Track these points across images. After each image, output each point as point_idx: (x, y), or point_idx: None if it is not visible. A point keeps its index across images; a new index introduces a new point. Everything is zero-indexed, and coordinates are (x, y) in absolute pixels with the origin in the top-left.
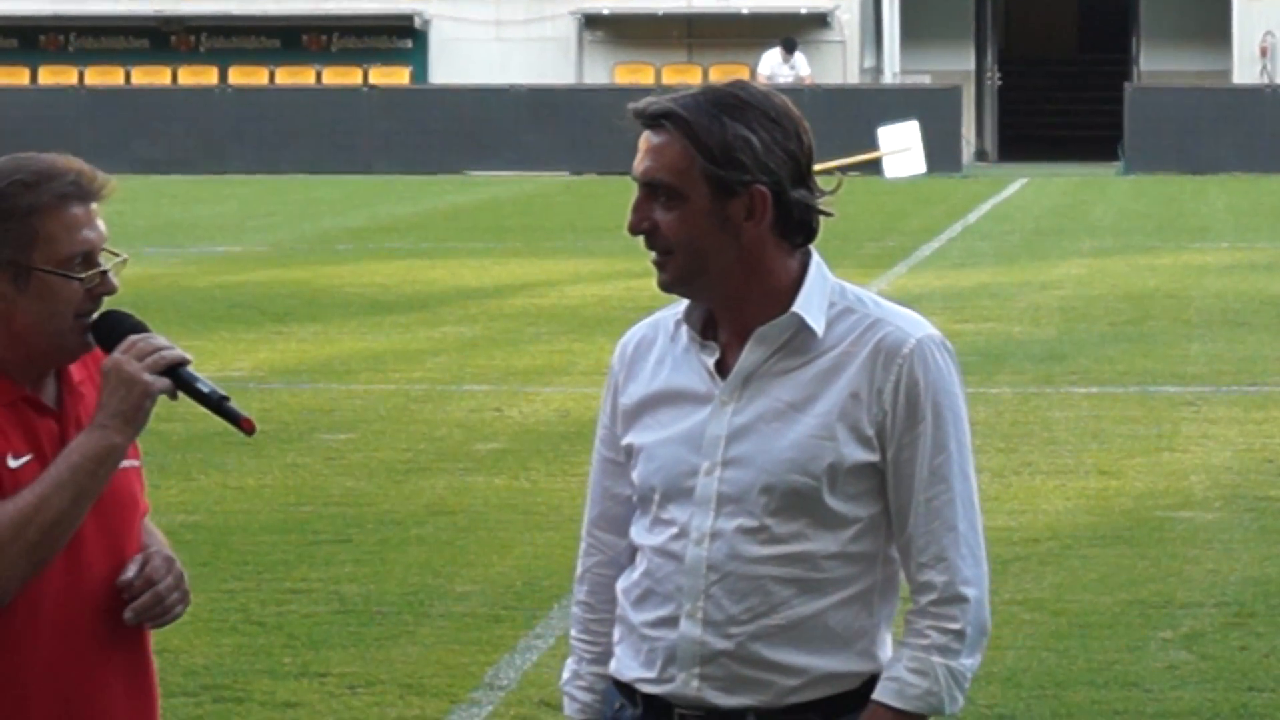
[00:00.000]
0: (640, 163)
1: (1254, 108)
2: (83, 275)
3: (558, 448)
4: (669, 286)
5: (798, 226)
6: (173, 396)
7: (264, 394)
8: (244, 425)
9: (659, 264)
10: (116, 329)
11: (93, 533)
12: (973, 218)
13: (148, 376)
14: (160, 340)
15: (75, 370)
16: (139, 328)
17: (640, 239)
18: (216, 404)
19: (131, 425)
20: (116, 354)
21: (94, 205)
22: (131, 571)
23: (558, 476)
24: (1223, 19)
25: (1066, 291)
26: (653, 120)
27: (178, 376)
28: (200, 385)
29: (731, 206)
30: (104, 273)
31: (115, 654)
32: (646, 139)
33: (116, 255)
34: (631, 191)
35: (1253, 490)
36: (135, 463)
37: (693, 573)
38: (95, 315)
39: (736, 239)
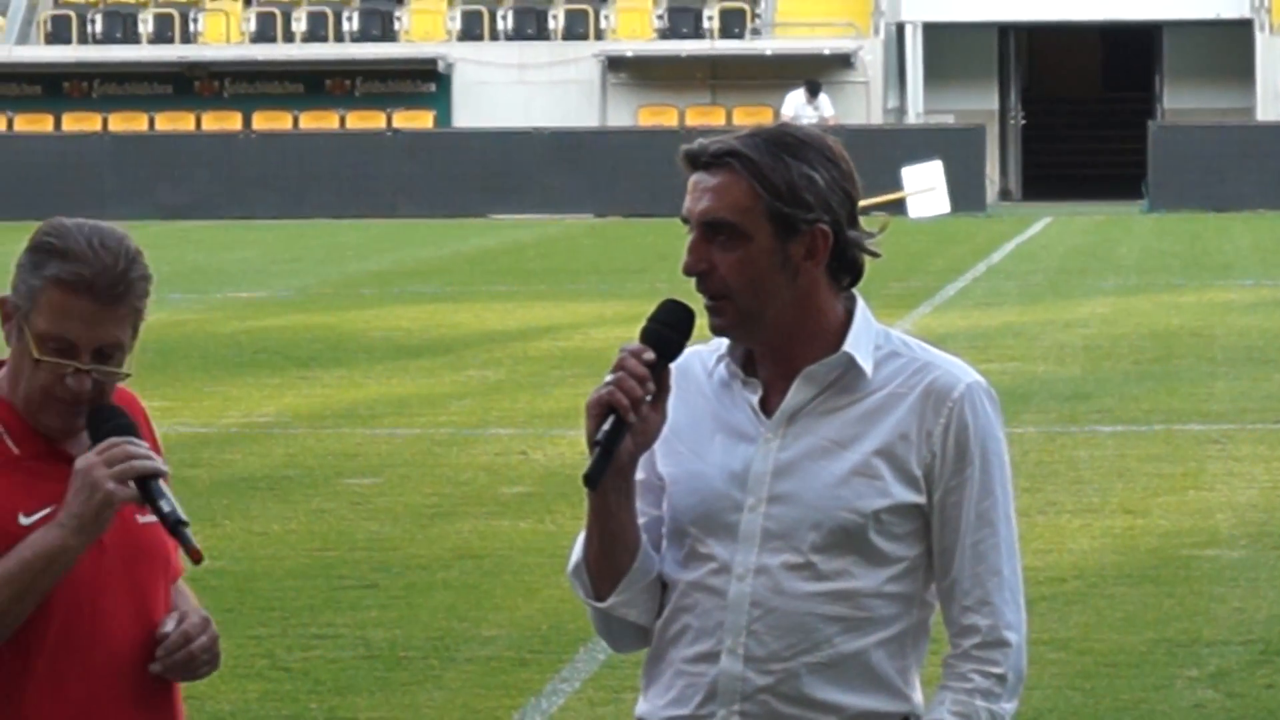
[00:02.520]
0: (697, 203)
1: (1278, 144)
2: (39, 356)
3: (584, 491)
4: (725, 330)
5: (849, 266)
6: (139, 505)
7: (289, 439)
8: (192, 555)
9: (714, 308)
10: (102, 426)
11: (118, 587)
12: (997, 257)
13: (111, 485)
14: (137, 448)
15: None
16: (123, 429)
17: (682, 280)
18: (172, 526)
19: (87, 531)
20: (91, 455)
21: (110, 306)
22: (170, 625)
23: (583, 519)
24: (1246, 56)
25: (1091, 330)
26: (714, 159)
27: (145, 488)
28: (162, 503)
29: (793, 246)
30: (72, 369)
31: (142, 707)
32: (700, 180)
33: (111, 368)
34: (658, 234)
35: (1278, 528)
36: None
37: (735, 608)
38: (93, 406)
39: (794, 280)
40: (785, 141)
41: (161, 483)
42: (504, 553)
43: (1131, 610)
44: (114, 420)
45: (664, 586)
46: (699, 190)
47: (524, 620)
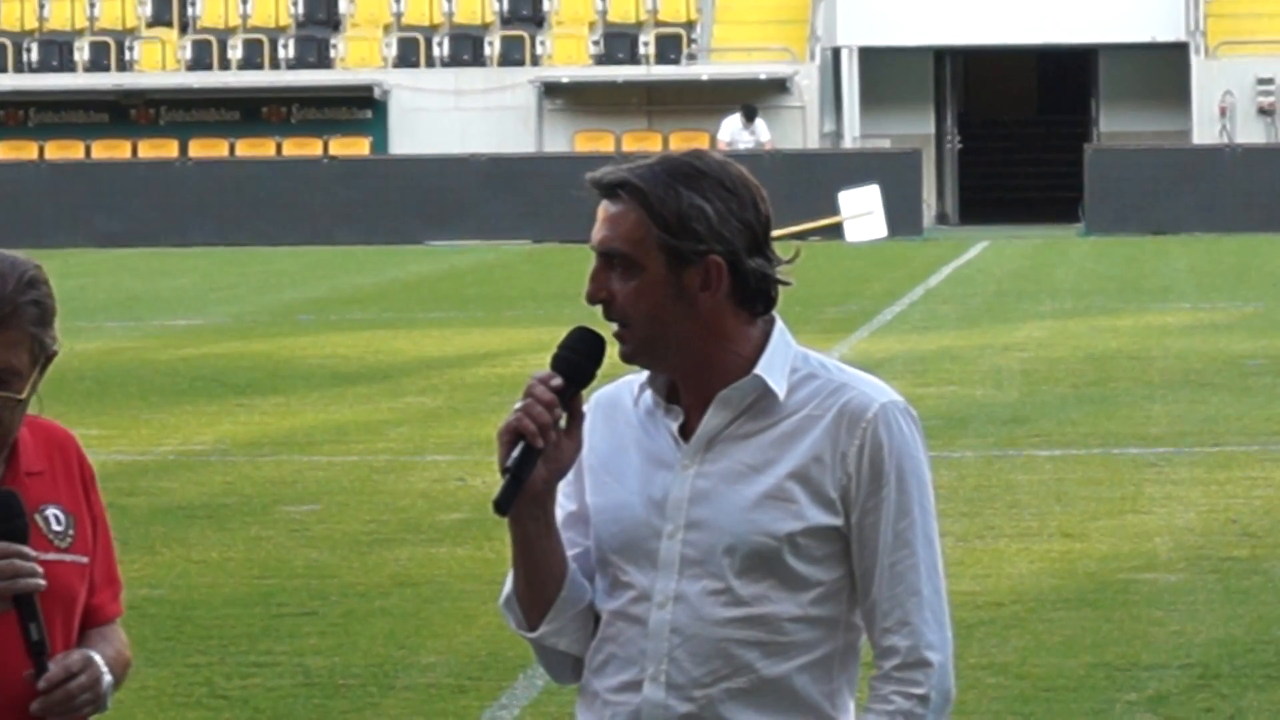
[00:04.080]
0: (597, 232)
1: (1214, 167)
2: None
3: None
4: (630, 357)
5: (756, 295)
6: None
7: (226, 466)
8: (38, 680)
9: (619, 335)
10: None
11: (8, 622)
12: (934, 281)
13: None
14: (24, 563)
15: (33, 459)
16: (17, 533)
17: (598, 309)
18: (35, 653)
19: None
20: None
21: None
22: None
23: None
24: (1182, 79)
25: (1028, 354)
26: (609, 190)
27: (21, 605)
28: (32, 628)
29: (687, 276)
30: None
31: None
32: (604, 208)
33: (2, 391)
34: (592, 260)
35: (1216, 551)
36: (82, 559)
37: (656, 636)
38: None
39: (693, 309)
40: (682, 171)
41: (36, 599)
42: (442, 580)
43: (1070, 634)
44: (10, 522)
45: (597, 617)
46: (600, 218)
47: (463, 647)
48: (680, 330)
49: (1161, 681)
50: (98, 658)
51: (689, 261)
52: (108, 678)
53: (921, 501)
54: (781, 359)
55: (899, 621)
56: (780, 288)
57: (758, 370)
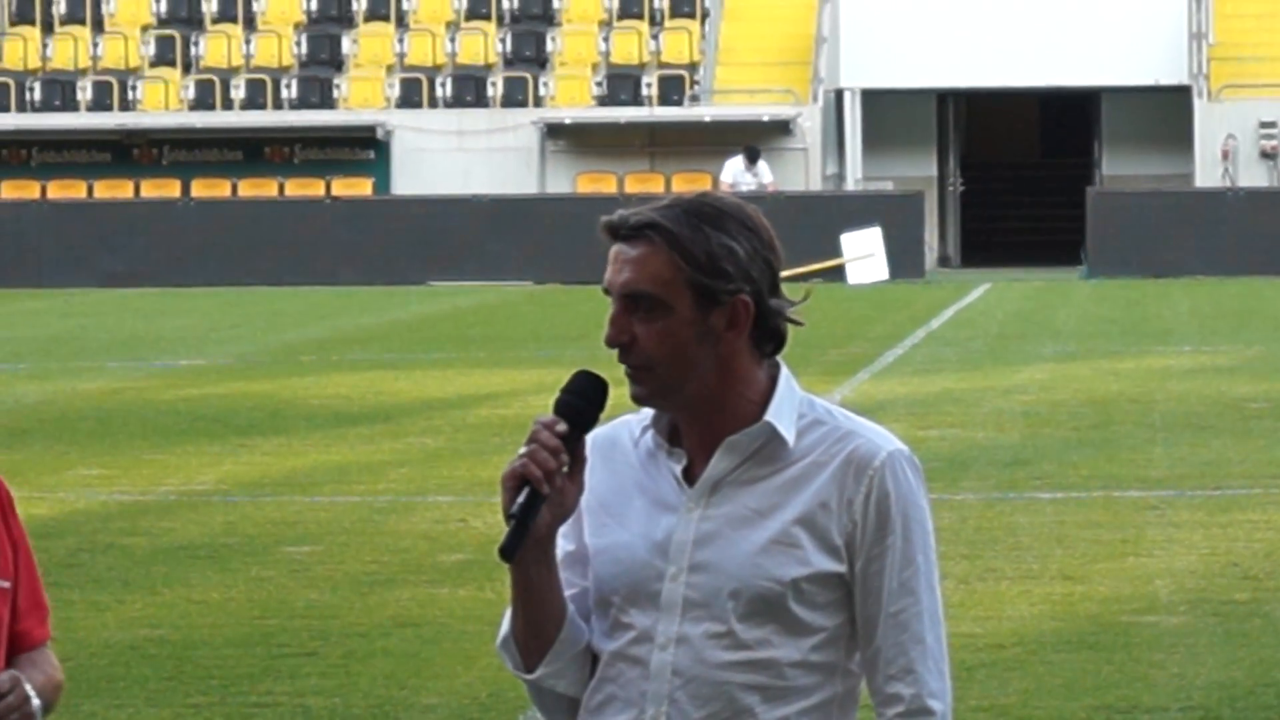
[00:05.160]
0: (618, 275)
1: (1216, 210)
2: None
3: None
4: (645, 400)
5: (770, 335)
6: None
7: (228, 507)
8: None
9: (635, 377)
10: None
11: None
12: (936, 323)
13: None
14: None
15: None
16: None
17: (600, 348)
18: None
19: None
20: None
21: None
22: None
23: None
24: (1184, 122)
25: (1030, 396)
26: (634, 232)
27: None
28: None
29: (714, 317)
30: None
31: None
32: (621, 251)
33: None
34: (597, 301)
35: (1217, 594)
36: (3, 584)
37: (658, 677)
38: None
39: (715, 349)
40: (704, 212)
41: None
42: (443, 620)
43: (1071, 677)
44: None
45: (595, 657)
46: (620, 262)
47: (463, 688)
48: (699, 372)
49: None
50: (24, 679)
51: (718, 302)
52: (35, 700)
53: (925, 550)
54: (790, 405)
55: (903, 669)
56: (789, 329)
57: (768, 416)
